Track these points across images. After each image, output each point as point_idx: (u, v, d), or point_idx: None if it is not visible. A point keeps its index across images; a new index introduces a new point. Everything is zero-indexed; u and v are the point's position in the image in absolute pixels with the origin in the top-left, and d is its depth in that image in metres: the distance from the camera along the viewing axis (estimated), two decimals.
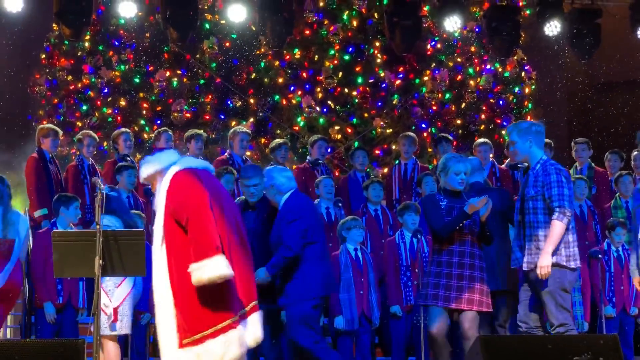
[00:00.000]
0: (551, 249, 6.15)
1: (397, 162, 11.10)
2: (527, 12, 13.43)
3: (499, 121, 13.97)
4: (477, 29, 13.91)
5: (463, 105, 14.01)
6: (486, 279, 6.69)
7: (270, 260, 6.82)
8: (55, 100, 13.51)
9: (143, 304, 7.92)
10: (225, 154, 10.19)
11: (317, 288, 6.81)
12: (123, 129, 10.42)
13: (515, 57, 13.82)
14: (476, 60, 14.14)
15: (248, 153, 11.70)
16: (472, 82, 13.97)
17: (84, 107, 13.43)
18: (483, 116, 14.00)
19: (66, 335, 7.93)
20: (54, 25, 12.83)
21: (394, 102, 13.79)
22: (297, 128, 13.52)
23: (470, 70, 14.06)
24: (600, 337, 5.63)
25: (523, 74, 14.29)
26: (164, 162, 5.76)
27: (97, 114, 13.36)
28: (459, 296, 6.60)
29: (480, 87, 13.96)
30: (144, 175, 5.85)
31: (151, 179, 5.86)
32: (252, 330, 5.51)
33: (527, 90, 14.30)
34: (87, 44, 13.53)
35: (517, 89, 14.24)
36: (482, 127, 13.96)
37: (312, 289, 6.79)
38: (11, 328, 9.54)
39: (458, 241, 6.63)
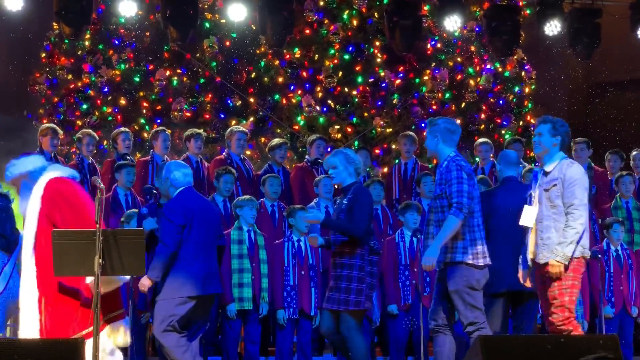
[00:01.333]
0: (439, 243, 6.18)
1: (397, 161, 11.09)
2: (527, 11, 13.43)
3: (499, 121, 13.98)
4: (477, 29, 13.90)
5: (463, 104, 14.02)
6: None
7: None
8: (56, 99, 13.52)
9: (142, 303, 7.93)
10: (224, 153, 10.19)
11: (186, 288, 6.74)
12: (122, 129, 10.42)
13: (515, 57, 13.81)
14: (476, 60, 14.15)
15: (248, 152, 11.72)
16: (472, 82, 13.97)
17: (84, 106, 13.43)
18: (483, 116, 14.01)
19: None
20: (54, 24, 12.83)
21: (394, 102, 13.79)
22: (297, 127, 13.52)
23: (470, 69, 14.06)
24: (600, 337, 5.62)
25: (523, 73, 14.30)
26: (30, 167, 6.03)
27: (97, 113, 13.37)
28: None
29: (480, 87, 13.96)
30: (8, 178, 6.05)
31: (15, 182, 6.07)
32: (116, 336, 5.90)
33: (527, 89, 14.31)
34: (87, 43, 13.54)
35: (517, 89, 14.25)
36: (482, 126, 13.96)
37: (181, 289, 6.73)
38: (10, 327, 9.54)
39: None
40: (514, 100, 14.24)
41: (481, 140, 10.67)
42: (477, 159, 10.82)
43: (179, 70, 13.53)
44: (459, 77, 14.03)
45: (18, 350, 4.93)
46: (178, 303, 6.72)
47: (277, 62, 13.63)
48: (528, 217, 6.29)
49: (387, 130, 13.74)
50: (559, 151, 6.30)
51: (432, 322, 6.45)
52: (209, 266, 6.88)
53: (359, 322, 6.74)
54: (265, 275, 8.32)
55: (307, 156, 10.45)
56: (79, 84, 13.51)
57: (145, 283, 6.76)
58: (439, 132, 6.45)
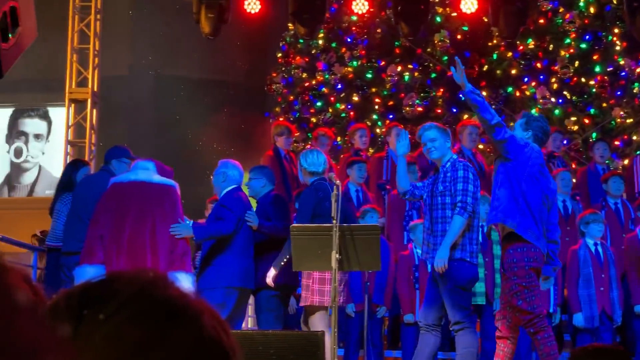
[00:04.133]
0: (449, 243, 6.12)
1: (638, 153, 10.57)
2: None
3: None
4: None
5: None
6: None
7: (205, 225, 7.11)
8: (291, 97, 13.94)
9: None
10: (455, 147, 10.08)
11: (231, 278, 6.91)
12: (359, 125, 10.60)
13: None
14: None
15: (481, 146, 11.56)
16: None
17: (318, 104, 13.76)
18: None
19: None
20: (289, 24, 13.23)
21: (635, 91, 13.15)
22: None
23: None
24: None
25: None
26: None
27: (330, 110, 13.66)
28: None
29: None
30: None
31: None
32: None
33: None
34: (320, 42, 13.86)
35: None
36: None
37: (226, 279, 6.90)
38: (251, 318, 9.91)
39: None
40: None
41: None
42: None
43: (410, 66, 13.56)
44: None
45: (262, 342, 5.14)
46: (226, 293, 6.91)
47: (510, 54, 13.36)
48: None
49: (628, 120, 13.12)
50: None
51: (421, 321, 6.42)
52: (252, 262, 7.20)
53: None
54: (498, 270, 8.17)
55: (543, 150, 10.14)
56: (313, 82, 13.85)
57: (271, 275, 6.92)
58: (440, 132, 6.47)
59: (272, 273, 6.91)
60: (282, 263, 6.88)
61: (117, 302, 0.91)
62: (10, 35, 3.75)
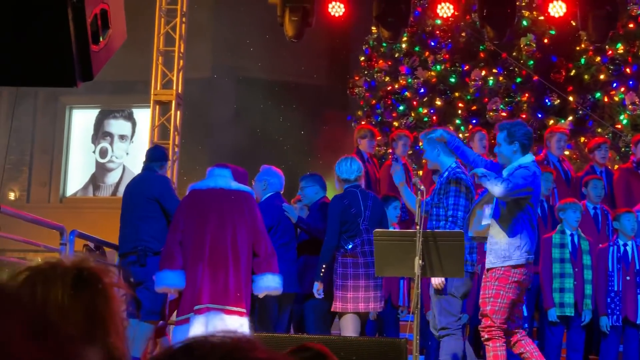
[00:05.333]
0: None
1: None
2: None
3: None
4: None
5: None
6: None
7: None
8: (374, 101, 13.88)
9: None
10: (541, 154, 9.91)
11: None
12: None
13: None
14: None
15: (567, 152, 11.32)
16: None
17: (401, 108, 13.67)
18: None
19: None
20: (372, 28, 13.17)
21: None
22: (619, 126, 12.88)
23: None
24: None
25: None
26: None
27: (413, 114, 13.56)
28: None
29: None
30: None
31: None
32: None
33: None
34: (404, 46, 13.76)
35: None
36: None
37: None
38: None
39: None
40: None
41: None
42: None
43: (494, 70, 13.37)
44: None
45: (344, 347, 5.11)
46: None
47: (598, 59, 13.06)
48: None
49: None
50: (522, 156, 6.12)
51: (433, 330, 6.51)
52: (291, 266, 7.44)
53: None
54: (589, 281, 8.00)
55: (632, 156, 9.90)
56: (396, 86, 13.77)
57: (317, 289, 7.12)
58: (440, 144, 6.49)
59: (318, 287, 7.10)
60: (321, 273, 7.09)
61: None
62: (101, 38, 3.77)
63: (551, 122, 12.36)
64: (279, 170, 7.72)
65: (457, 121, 13.36)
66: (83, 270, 1.25)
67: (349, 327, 6.90)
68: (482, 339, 6.23)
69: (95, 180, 16.30)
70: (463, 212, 6.38)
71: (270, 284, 6.65)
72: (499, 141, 6.29)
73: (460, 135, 12.95)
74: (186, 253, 6.60)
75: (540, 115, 13.10)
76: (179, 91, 12.14)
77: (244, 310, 6.50)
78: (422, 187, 6.18)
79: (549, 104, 13.11)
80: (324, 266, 7.03)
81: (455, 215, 6.35)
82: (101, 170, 16.33)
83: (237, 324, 6.38)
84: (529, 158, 6.19)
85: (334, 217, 7.05)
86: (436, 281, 6.33)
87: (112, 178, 16.20)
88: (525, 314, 7.87)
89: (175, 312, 6.76)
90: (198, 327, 6.31)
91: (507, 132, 6.22)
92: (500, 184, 5.94)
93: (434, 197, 6.58)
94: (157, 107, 12.22)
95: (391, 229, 7.55)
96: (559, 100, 13.05)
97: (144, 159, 8.15)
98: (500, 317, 6.09)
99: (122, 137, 16.25)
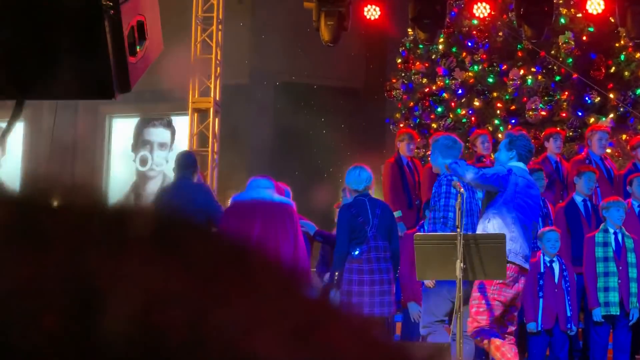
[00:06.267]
0: None
1: None
2: None
3: None
4: None
5: None
6: None
7: None
8: (411, 103, 13.83)
9: None
10: (583, 152, 9.82)
11: None
12: (480, 131, 10.43)
13: None
14: None
15: (608, 150, 11.21)
16: None
17: (439, 109, 13.60)
18: None
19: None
20: (409, 29, 13.12)
21: None
22: None
23: None
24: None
25: None
26: None
27: (451, 115, 13.49)
28: None
29: None
30: None
31: None
32: None
33: None
34: (440, 47, 13.70)
35: None
36: None
37: None
38: None
39: None
40: None
41: None
42: None
43: (533, 69, 13.26)
44: None
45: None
46: None
47: (638, 55, 12.91)
48: None
49: None
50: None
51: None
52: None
53: None
54: (634, 279, 7.91)
55: None
56: (434, 87, 13.71)
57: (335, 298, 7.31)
58: (438, 148, 6.74)
59: (335, 296, 7.18)
60: (335, 281, 7.24)
61: None
62: (138, 49, 3.79)
63: (592, 120, 12.25)
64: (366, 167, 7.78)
65: (496, 121, 13.27)
66: None
67: None
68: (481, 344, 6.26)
69: (137, 189, 16.43)
70: (454, 213, 6.37)
71: None
72: (500, 147, 6.55)
73: (500, 135, 12.87)
74: None
75: (580, 114, 12.97)
76: (217, 98, 12.19)
77: None
78: (463, 190, 6.17)
79: (589, 101, 12.97)
80: (336, 273, 7.23)
81: (446, 217, 6.48)
82: (142, 178, 16.46)
83: None
84: (519, 164, 6.36)
85: (342, 226, 7.30)
86: (427, 283, 6.55)
87: (152, 186, 16.31)
88: (569, 314, 7.81)
89: None
90: None
91: (509, 140, 6.48)
92: (471, 170, 6.16)
93: (431, 201, 6.76)
94: (196, 114, 12.28)
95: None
96: (599, 98, 12.91)
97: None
98: (486, 318, 6.15)
99: (161, 145, 16.35)
